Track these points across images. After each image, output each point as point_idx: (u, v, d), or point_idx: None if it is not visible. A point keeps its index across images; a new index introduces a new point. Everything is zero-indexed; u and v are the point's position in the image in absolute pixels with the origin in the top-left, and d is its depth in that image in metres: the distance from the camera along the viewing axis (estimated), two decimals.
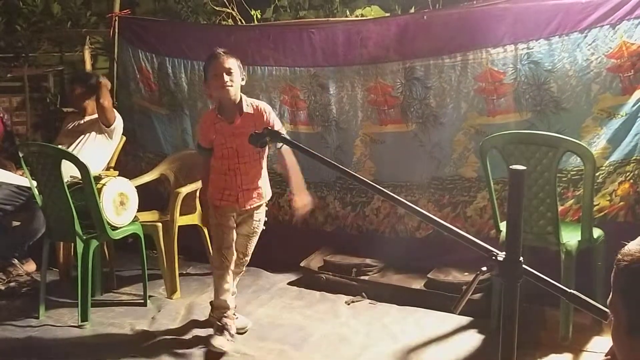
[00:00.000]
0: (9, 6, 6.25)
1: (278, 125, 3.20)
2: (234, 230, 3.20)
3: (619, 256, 1.06)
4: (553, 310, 3.13)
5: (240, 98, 3.12)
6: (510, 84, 3.57)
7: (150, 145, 4.82)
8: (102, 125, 4.13)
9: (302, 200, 3.18)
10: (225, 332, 3.12)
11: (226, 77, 3.02)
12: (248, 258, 3.30)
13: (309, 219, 4.31)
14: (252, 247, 3.28)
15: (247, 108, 3.12)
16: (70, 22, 6.21)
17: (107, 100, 4.09)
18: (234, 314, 3.24)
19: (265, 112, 3.15)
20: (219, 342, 3.08)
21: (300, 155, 4.06)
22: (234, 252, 3.18)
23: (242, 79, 3.12)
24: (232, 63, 3.05)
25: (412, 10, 4.49)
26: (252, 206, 3.19)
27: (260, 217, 3.26)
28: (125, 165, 4.44)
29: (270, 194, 3.33)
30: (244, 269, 3.35)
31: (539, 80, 3.48)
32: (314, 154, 1.63)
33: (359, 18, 4.60)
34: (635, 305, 1.03)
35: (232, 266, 3.17)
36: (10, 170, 4.15)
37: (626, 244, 1.08)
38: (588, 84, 3.35)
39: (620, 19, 3.24)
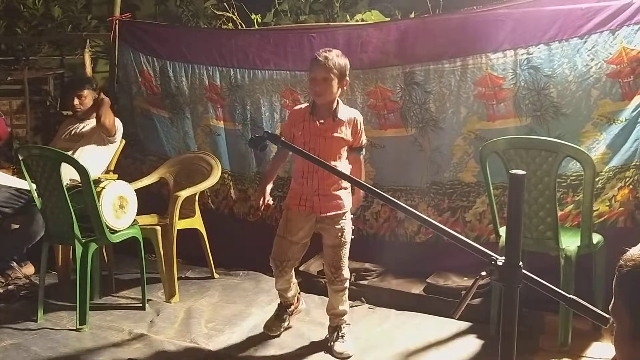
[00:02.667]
0: (9, 9, 6.26)
1: (364, 140, 3.19)
2: (301, 245, 3.16)
3: (621, 262, 1.06)
4: (552, 315, 3.13)
5: (337, 104, 3.06)
6: (509, 89, 3.57)
7: (152, 147, 4.82)
8: (103, 134, 4.14)
9: (358, 200, 3.28)
10: (341, 337, 3.13)
11: (317, 85, 2.98)
12: (343, 272, 3.10)
13: None
14: (344, 261, 3.10)
15: (341, 114, 3.05)
16: (70, 25, 6.22)
17: (108, 119, 4.08)
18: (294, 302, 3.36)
19: (358, 124, 3.10)
20: (340, 348, 3.09)
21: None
22: (292, 265, 3.19)
23: (345, 84, 3.05)
24: (329, 70, 2.95)
25: (412, 15, 4.50)
26: (330, 214, 3.06)
27: (344, 226, 3.09)
28: (126, 168, 4.44)
29: (351, 205, 3.16)
30: (344, 286, 3.11)
31: (539, 85, 3.48)
32: (315, 158, 1.63)
33: (359, 23, 4.61)
34: (638, 311, 1.03)
35: (291, 277, 3.24)
36: (8, 173, 4.14)
37: (628, 250, 1.08)
38: (588, 89, 3.36)
39: (620, 25, 3.25)
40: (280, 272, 3.18)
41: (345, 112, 3.09)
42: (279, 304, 3.38)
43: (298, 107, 3.27)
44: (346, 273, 3.12)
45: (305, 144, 3.05)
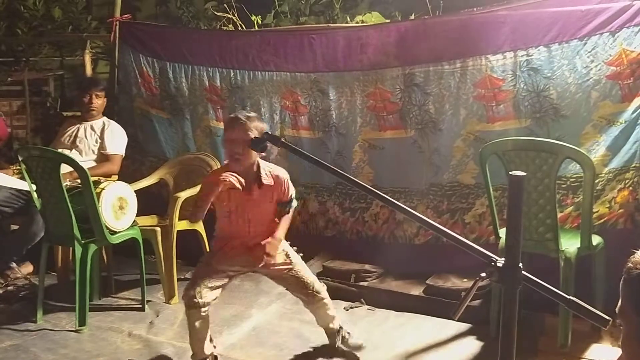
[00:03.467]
0: (10, 10, 6.27)
1: (292, 191, 2.96)
2: (221, 274, 2.90)
3: (630, 264, 1.06)
4: (552, 317, 3.13)
5: (258, 167, 2.84)
6: (509, 91, 3.57)
7: (152, 148, 4.83)
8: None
9: (273, 248, 2.90)
10: (347, 334, 3.10)
11: (238, 151, 2.73)
12: (315, 284, 2.99)
13: (309, 224, 4.32)
14: (307, 273, 3.01)
15: (266, 179, 2.84)
16: (71, 26, 6.23)
17: (103, 172, 4.09)
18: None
19: (284, 182, 2.90)
20: (353, 341, 3.07)
21: (301, 159, 4.09)
22: (207, 295, 2.78)
23: (263, 149, 2.62)
24: (250, 131, 2.68)
25: (412, 17, 4.51)
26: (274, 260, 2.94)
27: (284, 252, 2.99)
28: (126, 169, 4.44)
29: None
30: (323, 295, 3.02)
31: (538, 87, 3.48)
32: (314, 159, 1.63)
33: (360, 24, 4.61)
34: None
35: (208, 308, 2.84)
36: (8, 174, 4.14)
37: (635, 252, 1.07)
38: (587, 91, 3.36)
39: (620, 27, 3.25)
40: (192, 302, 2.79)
41: (269, 173, 2.87)
42: None
43: (216, 172, 3.03)
44: (317, 284, 3.02)
45: (235, 212, 2.86)
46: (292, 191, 2.97)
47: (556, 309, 3.04)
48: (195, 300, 2.74)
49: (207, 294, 2.77)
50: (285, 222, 2.97)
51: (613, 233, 3.29)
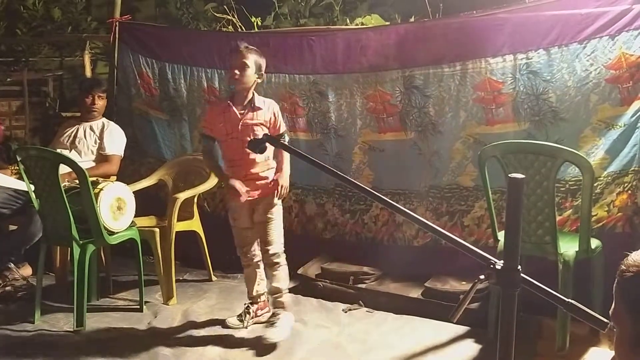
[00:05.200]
0: (9, 10, 6.27)
1: (283, 128, 3.36)
2: (251, 230, 3.34)
3: (623, 267, 1.06)
4: (550, 320, 3.13)
5: (253, 94, 3.27)
6: (509, 94, 3.57)
7: (150, 149, 4.82)
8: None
9: (285, 180, 3.26)
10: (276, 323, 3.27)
11: (237, 71, 3.18)
12: (273, 247, 3.28)
13: (308, 226, 4.32)
14: (275, 236, 3.29)
15: (258, 102, 3.26)
16: (70, 27, 6.23)
17: (103, 172, 4.09)
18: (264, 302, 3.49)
19: (275, 112, 3.30)
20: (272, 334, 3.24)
21: (300, 161, 4.08)
22: (253, 251, 3.37)
23: (259, 77, 3.27)
24: (248, 59, 3.20)
25: (412, 20, 4.51)
26: (260, 195, 3.26)
27: (273, 203, 3.28)
28: (124, 169, 4.44)
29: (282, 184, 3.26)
30: (278, 260, 3.30)
31: (538, 90, 3.49)
32: (314, 160, 1.62)
33: (359, 26, 4.62)
34: None
35: (259, 259, 3.39)
36: (6, 174, 4.14)
37: (629, 254, 1.07)
38: (587, 94, 3.36)
39: (619, 31, 3.25)
40: (247, 263, 3.42)
41: (263, 101, 3.30)
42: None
43: (214, 102, 3.59)
44: (276, 247, 3.29)
45: (230, 135, 3.23)
46: (284, 128, 3.38)
47: (554, 312, 3.04)
48: (248, 260, 3.39)
49: (252, 250, 3.38)
50: (285, 157, 3.27)
51: (611, 236, 3.29)
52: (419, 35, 3.87)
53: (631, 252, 1.08)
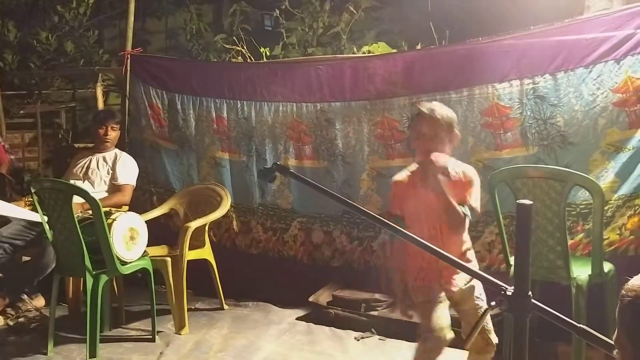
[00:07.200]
0: (23, 44, 6.40)
1: (475, 203, 2.57)
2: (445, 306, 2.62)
3: (623, 292, 1.06)
4: (565, 346, 3.09)
5: (447, 163, 2.56)
6: (516, 119, 3.59)
7: (160, 180, 4.87)
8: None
9: None
10: None
11: (420, 142, 2.56)
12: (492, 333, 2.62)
13: (315, 254, 4.31)
14: (489, 324, 2.63)
15: (453, 174, 2.56)
16: (83, 59, 6.34)
17: (115, 203, 4.12)
18: None
19: (471, 183, 2.58)
20: None
21: (305, 190, 4.10)
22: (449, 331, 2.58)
23: (453, 140, 2.57)
24: (432, 126, 2.51)
25: (419, 47, 4.56)
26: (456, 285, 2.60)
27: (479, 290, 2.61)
28: (136, 199, 4.48)
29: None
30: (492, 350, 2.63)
31: (545, 114, 3.50)
32: (324, 189, 1.64)
33: (366, 54, 4.67)
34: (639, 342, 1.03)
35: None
36: (20, 206, 4.18)
37: (629, 279, 1.08)
38: (595, 118, 3.37)
39: (625, 55, 3.28)
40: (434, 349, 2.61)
41: (459, 171, 2.60)
42: None
43: (400, 176, 2.76)
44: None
45: (418, 216, 2.60)
46: (477, 202, 2.57)
47: (570, 337, 3.01)
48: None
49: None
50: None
51: (624, 260, 3.27)
52: (426, 62, 3.91)
53: (631, 277, 1.08)
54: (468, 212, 2.54)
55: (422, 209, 2.60)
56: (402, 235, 1.54)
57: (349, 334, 3.69)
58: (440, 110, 2.55)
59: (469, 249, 2.70)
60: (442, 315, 2.58)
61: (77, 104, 6.42)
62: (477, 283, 2.60)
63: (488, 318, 2.61)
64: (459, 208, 2.52)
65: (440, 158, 2.52)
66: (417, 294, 2.64)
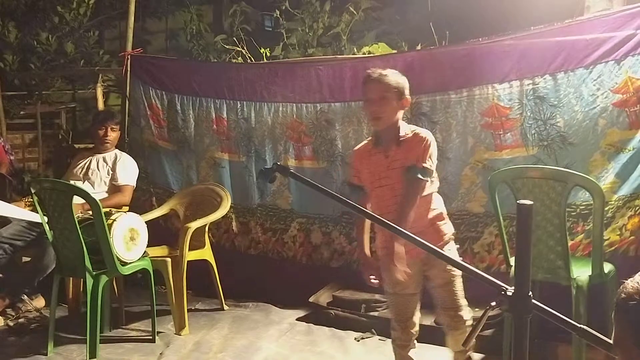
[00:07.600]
0: (23, 45, 6.40)
1: (429, 162, 2.59)
2: (416, 296, 2.69)
3: (624, 295, 1.06)
4: (565, 346, 3.09)
5: (399, 126, 2.61)
6: (516, 119, 3.59)
7: (159, 180, 4.87)
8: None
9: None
10: None
11: (374, 106, 2.56)
12: (461, 311, 2.67)
13: (314, 255, 4.32)
14: (460, 294, 2.66)
15: (404, 135, 2.60)
16: (83, 60, 6.35)
17: (115, 203, 4.13)
18: None
19: (423, 141, 2.57)
20: None
21: (305, 190, 4.11)
22: (415, 323, 2.70)
23: (403, 105, 2.60)
24: (385, 88, 2.54)
25: (419, 47, 4.56)
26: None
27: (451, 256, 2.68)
28: (136, 200, 4.48)
29: (452, 229, 2.76)
30: (470, 323, 2.68)
31: (545, 115, 3.50)
32: (324, 189, 1.64)
33: (367, 55, 4.68)
34: None
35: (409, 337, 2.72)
36: (20, 206, 4.18)
37: (624, 282, 1.08)
38: (595, 118, 3.37)
39: (625, 55, 3.28)
40: (401, 342, 2.73)
41: (412, 131, 2.63)
42: None
43: (360, 146, 2.79)
44: (466, 311, 2.69)
45: (378, 182, 2.63)
46: (431, 162, 2.58)
47: (570, 337, 3.01)
48: (407, 338, 2.71)
49: (415, 324, 2.72)
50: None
51: (624, 260, 3.27)
52: (426, 62, 3.91)
53: (630, 279, 1.09)
54: (420, 174, 2.55)
55: (379, 176, 2.63)
56: (404, 236, 1.55)
57: (349, 334, 3.69)
58: (389, 74, 2.59)
59: (440, 218, 2.70)
60: (410, 307, 2.69)
61: (77, 105, 6.44)
62: (450, 248, 2.68)
63: (459, 286, 2.67)
64: (413, 170, 2.54)
65: (390, 121, 2.57)
66: (384, 263, 2.67)
